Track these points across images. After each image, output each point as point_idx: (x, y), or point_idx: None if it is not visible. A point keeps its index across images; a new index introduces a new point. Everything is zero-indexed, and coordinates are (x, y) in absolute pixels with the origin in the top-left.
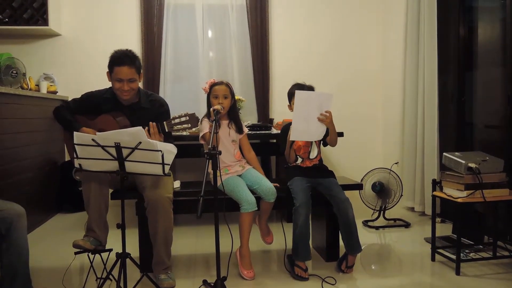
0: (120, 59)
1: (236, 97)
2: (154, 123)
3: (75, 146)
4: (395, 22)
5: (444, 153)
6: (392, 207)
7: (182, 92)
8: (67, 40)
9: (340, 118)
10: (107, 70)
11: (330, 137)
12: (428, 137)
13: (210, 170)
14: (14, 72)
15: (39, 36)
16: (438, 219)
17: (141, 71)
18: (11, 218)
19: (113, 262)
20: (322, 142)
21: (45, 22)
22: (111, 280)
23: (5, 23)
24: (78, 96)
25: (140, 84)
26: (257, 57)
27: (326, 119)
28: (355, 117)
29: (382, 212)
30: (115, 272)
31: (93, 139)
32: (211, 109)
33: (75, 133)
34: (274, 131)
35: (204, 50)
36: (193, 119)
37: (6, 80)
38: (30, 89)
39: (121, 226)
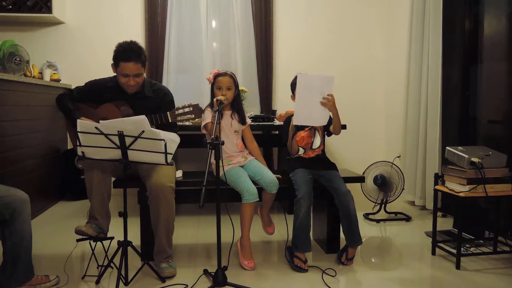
0: (126, 54)
1: (240, 88)
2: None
3: (78, 134)
4: (400, 14)
5: (447, 147)
6: (393, 200)
7: (185, 83)
8: (70, 28)
9: (343, 110)
10: (112, 62)
11: (334, 122)
12: (430, 131)
13: (213, 160)
14: (18, 59)
15: (43, 23)
16: (439, 213)
17: (146, 63)
18: (15, 204)
19: (114, 250)
20: (326, 132)
21: (48, 9)
22: (112, 268)
23: (9, 10)
24: (81, 84)
25: (144, 74)
26: (261, 48)
27: (329, 102)
28: (358, 109)
29: (383, 205)
30: (117, 260)
31: (96, 127)
32: (214, 99)
33: (78, 120)
34: (277, 122)
35: (208, 41)
36: (197, 110)
37: (9, 67)
38: (33, 77)
39: (123, 215)
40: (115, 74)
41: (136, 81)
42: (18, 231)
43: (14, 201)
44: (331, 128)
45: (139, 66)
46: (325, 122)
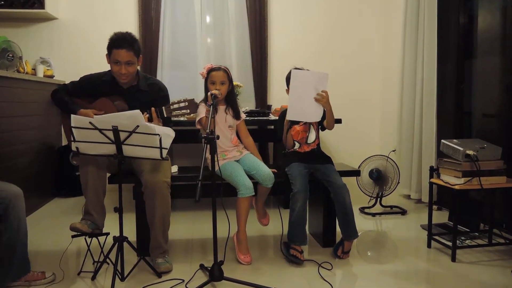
0: (118, 41)
1: (234, 83)
2: (153, 109)
3: (72, 129)
4: (395, 9)
5: (442, 140)
6: (389, 194)
7: (180, 77)
8: (64, 23)
9: (339, 104)
10: (106, 52)
11: (327, 118)
12: (426, 124)
13: (208, 155)
14: (10, 55)
15: (36, 19)
16: (434, 207)
17: (140, 55)
18: (9, 199)
19: (110, 246)
20: (320, 126)
21: (41, 5)
22: (108, 263)
23: (1, 6)
24: (75, 80)
25: (138, 67)
26: (256, 43)
27: (323, 99)
28: (354, 103)
29: (378, 199)
30: (112, 256)
31: (90, 122)
32: (209, 93)
33: (72, 116)
34: (272, 117)
35: (202, 36)
36: (192, 105)
37: (2, 63)
38: (27, 73)
39: (119, 210)
40: (110, 68)
41: (127, 70)
42: (13, 225)
43: (8, 196)
44: (324, 123)
45: (131, 54)
46: (318, 118)
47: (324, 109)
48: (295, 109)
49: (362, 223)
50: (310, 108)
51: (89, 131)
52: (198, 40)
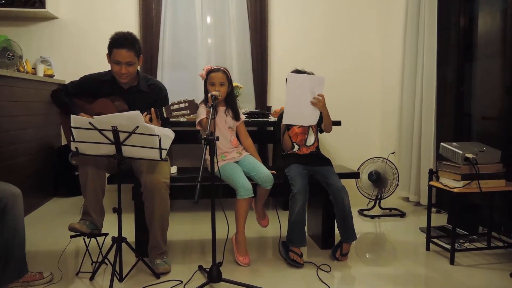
0: (119, 41)
1: (234, 84)
2: (153, 109)
3: (72, 129)
4: (395, 10)
5: (441, 143)
6: (388, 196)
7: (180, 78)
8: (64, 23)
9: (338, 106)
10: (107, 52)
11: (324, 121)
12: (425, 127)
13: (208, 156)
14: (11, 54)
15: (36, 18)
16: (433, 209)
17: (141, 55)
18: (7, 199)
19: (109, 246)
20: (319, 129)
21: (42, 4)
22: (106, 264)
23: (2, 5)
24: (75, 79)
25: (138, 67)
26: (256, 44)
27: (319, 103)
28: (353, 106)
29: (377, 201)
30: (111, 256)
31: (90, 123)
32: (209, 94)
33: (72, 116)
34: (272, 118)
35: (203, 36)
36: (192, 106)
37: (2, 62)
38: (27, 72)
39: (118, 211)
40: (110, 67)
41: (128, 70)
42: (10, 226)
43: (6, 196)
44: (322, 126)
45: (131, 54)
46: (315, 122)
47: (321, 113)
48: (292, 113)
49: (361, 225)
50: (306, 112)
51: (88, 131)
52: (198, 40)
